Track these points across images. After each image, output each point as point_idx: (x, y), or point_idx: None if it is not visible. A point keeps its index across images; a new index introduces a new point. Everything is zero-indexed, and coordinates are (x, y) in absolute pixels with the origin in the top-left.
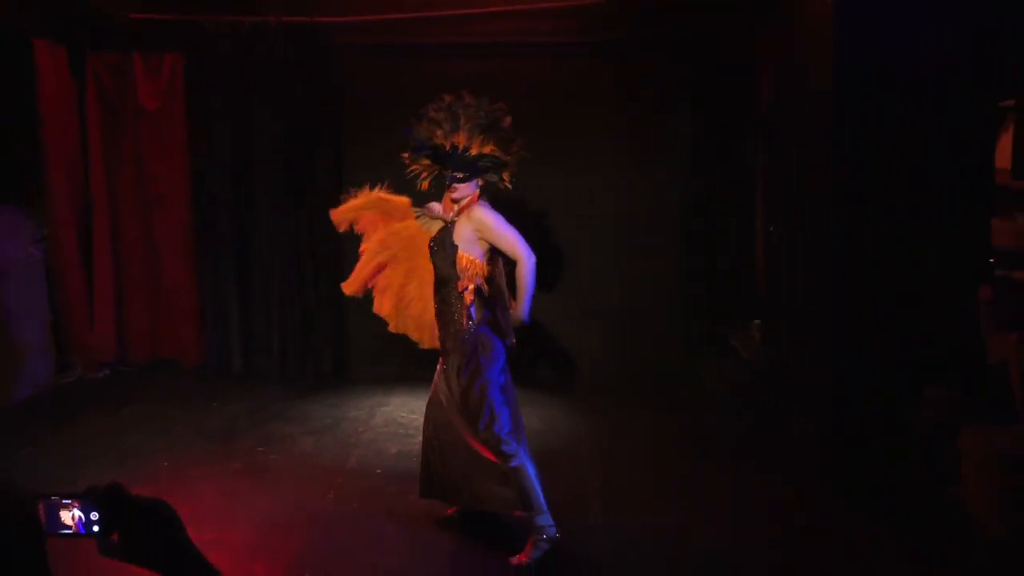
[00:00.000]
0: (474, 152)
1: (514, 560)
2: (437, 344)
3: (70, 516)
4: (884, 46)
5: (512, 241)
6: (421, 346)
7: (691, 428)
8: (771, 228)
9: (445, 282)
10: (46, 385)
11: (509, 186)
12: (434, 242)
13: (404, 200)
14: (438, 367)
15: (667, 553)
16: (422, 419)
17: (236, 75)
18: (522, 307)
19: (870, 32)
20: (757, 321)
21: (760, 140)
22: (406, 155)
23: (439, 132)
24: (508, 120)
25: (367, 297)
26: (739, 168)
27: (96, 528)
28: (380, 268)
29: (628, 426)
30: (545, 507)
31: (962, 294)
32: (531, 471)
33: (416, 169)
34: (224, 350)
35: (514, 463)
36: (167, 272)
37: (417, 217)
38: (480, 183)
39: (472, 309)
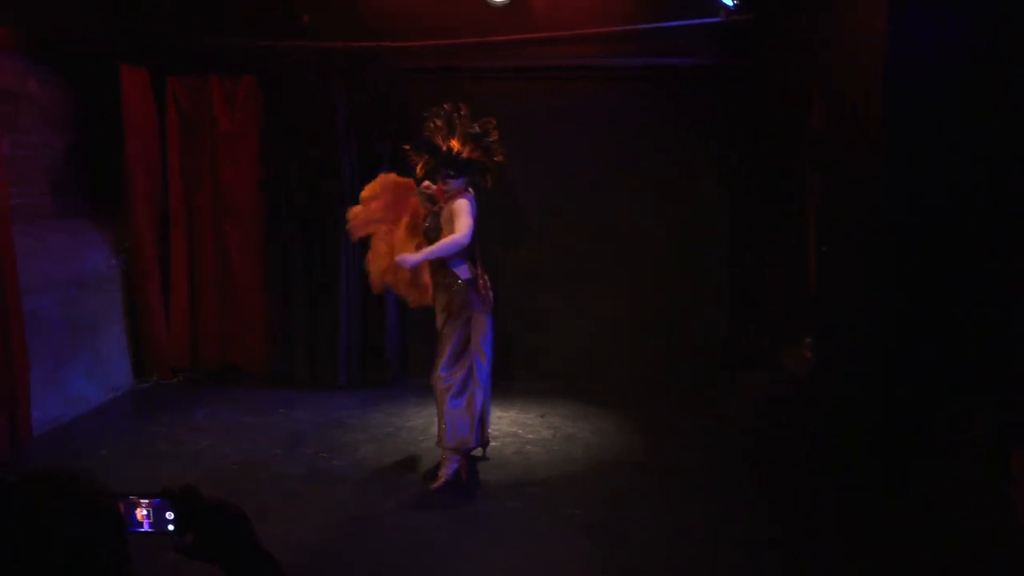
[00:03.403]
0: (465, 156)
1: (434, 485)
2: (422, 303)
3: (147, 515)
4: (934, 67)
5: (460, 224)
6: (411, 305)
7: (739, 441)
8: (823, 247)
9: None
10: (125, 389)
11: (490, 186)
12: (427, 222)
13: (410, 181)
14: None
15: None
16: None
17: (307, 98)
18: (421, 253)
19: (921, 53)
20: (808, 339)
21: (812, 159)
22: (407, 147)
23: (439, 135)
24: (495, 134)
25: (429, 309)
26: (793, 187)
27: (171, 527)
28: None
29: (677, 439)
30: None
31: (1017, 313)
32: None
33: (415, 159)
34: (290, 358)
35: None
36: (237, 283)
37: (418, 194)
38: (467, 180)
39: (460, 271)
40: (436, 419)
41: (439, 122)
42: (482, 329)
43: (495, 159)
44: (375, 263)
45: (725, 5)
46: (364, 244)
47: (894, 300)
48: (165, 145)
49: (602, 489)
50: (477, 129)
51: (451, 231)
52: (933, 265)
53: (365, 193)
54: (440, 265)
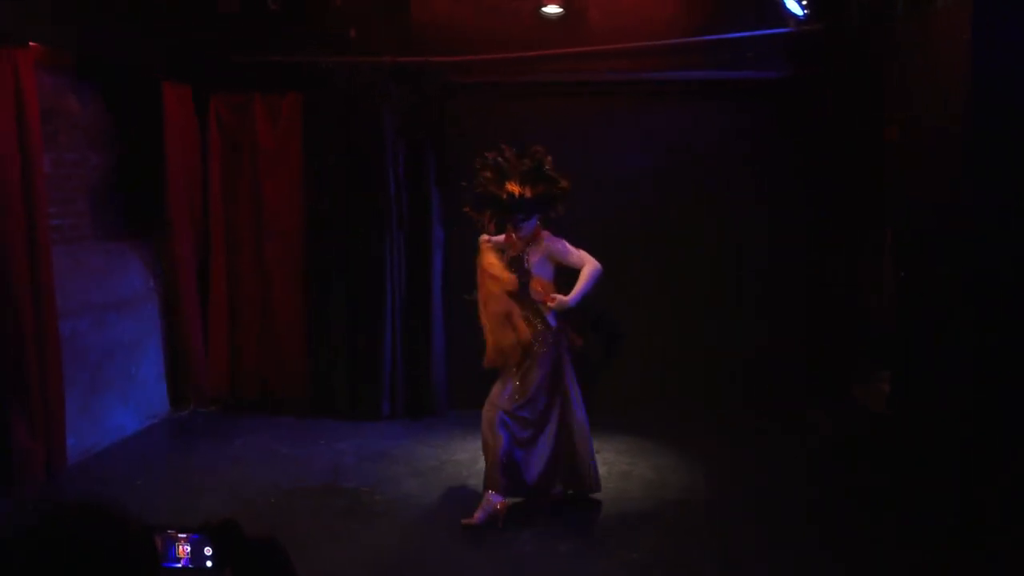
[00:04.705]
0: (529, 195)
1: (465, 521)
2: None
3: (185, 550)
4: (1020, 79)
5: (579, 258)
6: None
7: (808, 481)
8: (903, 273)
9: (520, 301)
10: (161, 417)
11: (562, 212)
12: (510, 267)
13: (485, 246)
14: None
15: None
16: None
17: (352, 114)
18: (575, 292)
19: (1006, 64)
20: (887, 372)
21: (889, 178)
22: (467, 208)
23: (493, 185)
24: (549, 160)
25: (472, 338)
26: (868, 208)
27: (209, 563)
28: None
29: (740, 478)
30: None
31: None
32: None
33: (477, 217)
34: (332, 386)
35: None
36: (278, 307)
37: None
38: (539, 217)
39: (550, 317)
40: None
41: (488, 173)
42: (572, 373)
43: (560, 186)
44: (507, 339)
45: (794, 15)
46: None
47: (982, 330)
48: (206, 164)
49: (660, 530)
50: (529, 163)
51: (547, 271)
52: None
53: (497, 273)
54: (527, 310)
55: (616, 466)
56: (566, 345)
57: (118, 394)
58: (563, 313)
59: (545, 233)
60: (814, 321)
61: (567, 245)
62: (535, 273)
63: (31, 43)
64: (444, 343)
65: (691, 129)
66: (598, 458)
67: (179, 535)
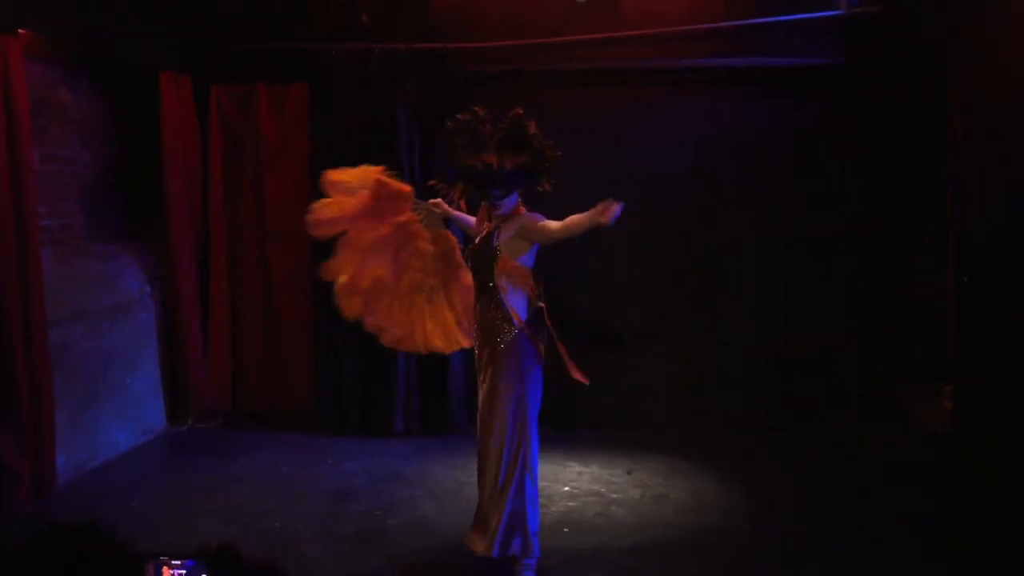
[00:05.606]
0: (508, 166)
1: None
2: (403, 344)
3: None
4: None
5: (556, 224)
6: (386, 342)
7: (859, 508)
8: (965, 278)
9: (485, 289)
10: (158, 432)
11: (549, 188)
12: (475, 249)
13: (406, 189)
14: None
15: None
16: (550, 486)
17: (364, 105)
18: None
19: None
20: (948, 387)
21: (951, 175)
22: (432, 182)
23: (466, 155)
24: (532, 125)
25: None
26: (927, 207)
27: None
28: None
29: (785, 503)
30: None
31: None
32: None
33: (446, 191)
34: (340, 400)
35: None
36: (282, 313)
37: (414, 209)
38: (520, 193)
39: (521, 310)
40: (482, 514)
41: (459, 139)
42: (533, 392)
43: (548, 155)
44: (350, 277)
45: None
46: None
47: None
48: (207, 160)
49: (697, 560)
50: (506, 128)
51: (521, 253)
52: None
53: (341, 177)
54: (491, 303)
55: (651, 488)
56: (534, 353)
57: (112, 408)
58: (537, 311)
59: (522, 209)
60: (863, 331)
61: (543, 217)
62: (504, 253)
63: (21, 31)
64: (462, 354)
65: (729, 118)
66: (628, 479)
67: (173, 561)
